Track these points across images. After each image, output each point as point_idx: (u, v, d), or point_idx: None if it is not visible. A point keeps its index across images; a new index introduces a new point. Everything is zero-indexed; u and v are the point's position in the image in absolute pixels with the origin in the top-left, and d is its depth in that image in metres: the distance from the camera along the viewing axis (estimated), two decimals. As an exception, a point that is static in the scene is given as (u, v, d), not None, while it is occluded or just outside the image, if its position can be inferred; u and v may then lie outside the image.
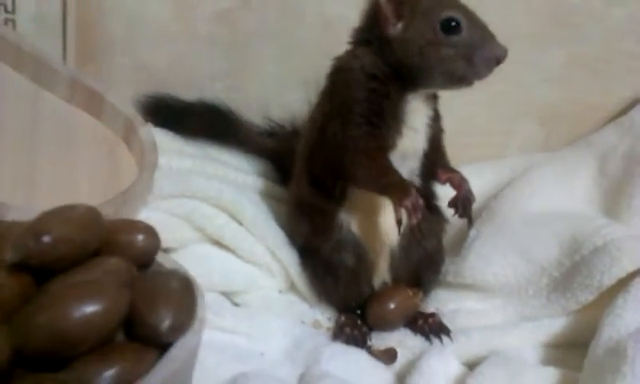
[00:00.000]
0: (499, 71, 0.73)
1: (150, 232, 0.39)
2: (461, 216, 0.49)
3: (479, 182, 0.67)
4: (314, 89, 0.53)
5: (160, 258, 0.40)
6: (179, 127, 0.62)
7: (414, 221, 0.44)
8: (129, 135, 0.53)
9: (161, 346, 0.32)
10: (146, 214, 0.50)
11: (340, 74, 0.48)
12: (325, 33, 0.64)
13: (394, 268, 0.51)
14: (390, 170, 0.46)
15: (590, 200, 0.59)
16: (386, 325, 0.51)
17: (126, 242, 0.37)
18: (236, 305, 0.52)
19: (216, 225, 0.52)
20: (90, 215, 0.35)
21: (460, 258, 0.55)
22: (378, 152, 0.46)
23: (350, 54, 0.48)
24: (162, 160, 0.55)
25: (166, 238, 0.50)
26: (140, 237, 0.38)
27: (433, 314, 0.51)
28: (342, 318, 0.50)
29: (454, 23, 0.44)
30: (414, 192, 0.44)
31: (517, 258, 0.53)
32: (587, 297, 0.48)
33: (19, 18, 0.56)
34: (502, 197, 0.60)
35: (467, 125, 0.76)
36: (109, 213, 0.45)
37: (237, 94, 0.64)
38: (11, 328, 0.28)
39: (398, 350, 0.49)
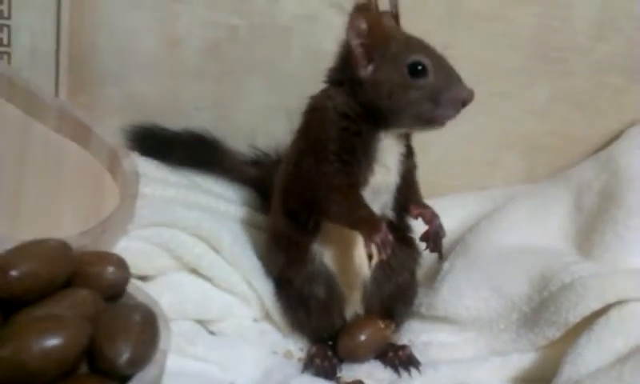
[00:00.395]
0: (483, 103, 0.75)
1: (121, 264, 0.41)
2: (432, 251, 0.50)
3: (461, 213, 0.69)
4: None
5: (131, 289, 0.42)
6: (166, 156, 0.64)
7: (384, 256, 0.45)
8: (113, 165, 0.55)
9: (121, 378, 0.34)
10: (126, 243, 0.52)
11: (314, 112, 0.50)
12: (310, 65, 0.66)
13: (366, 299, 0.52)
14: (360, 206, 0.47)
15: (564, 235, 0.60)
16: (357, 357, 0.51)
17: (96, 273, 0.39)
18: (211, 333, 0.53)
19: (193, 253, 0.53)
20: (59, 250, 0.36)
21: (433, 290, 0.56)
22: (349, 188, 0.48)
23: (323, 94, 0.50)
24: (147, 189, 0.57)
25: (145, 266, 0.52)
26: (110, 269, 0.40)
27: (404, 347, 0.52)
28: (313, 349, 0.52)
29: (420, 67, 0.46)
30: (383, 228, 0.45)
31: (488, 292, 0.54)
32: (554, 333, 0.49)
33: (14, 52, 0.59)
34: (477, 230, 0.61)
35: (451, 155, 0.77)
36: (86, 242, 0.47)
37: (223, 123, 0.66)
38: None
39: (367, 382, 0.49)
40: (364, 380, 0.49)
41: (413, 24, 0.60)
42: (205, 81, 0.66)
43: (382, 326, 0.52)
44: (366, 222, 0.46)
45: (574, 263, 0.51)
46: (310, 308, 0.51)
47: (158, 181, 0.60)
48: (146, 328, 0.36)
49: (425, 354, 0.52)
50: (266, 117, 0.67)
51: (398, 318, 0.54)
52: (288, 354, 0.52)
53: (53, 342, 0.31)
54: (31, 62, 0.59)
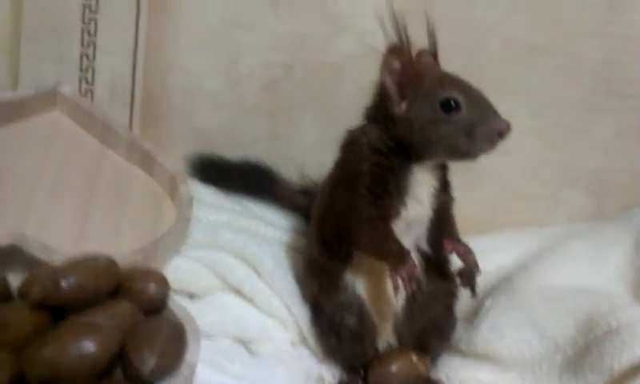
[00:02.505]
0: (545, 137, 0.73)
1: (162, 281, 0.45)
2: (464, 286, 0.50)
3: (517, 249, 0.67)
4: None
5: (172, 304, 0.46)
6: (224, 183, 0.69)
7: (409, 290, 0.46)
8: (173, 191, 0.61)
9: (146, 384, 0.38)
10: (178, 262, 0.56)
11: (350, 146, 0.52)
12: (360, 100, 0.69)
13: (397, 331, 0.52)
14: (389, 238, 0.48)
15: (621, 279, 0.56)
16: None
17: (139, 288, 0.43)
18: (251, 353, 0.56)
19: (237, 275, 0.57)
20: (105, 266, 0.41)
21: (473, 326, 0.55)
22: (379, 221, 0.49)
23: (359, 129, 0.52)
24: (201, 213, 0.62)
25: (194, 284, 0.57)
26: (152, 285, 0.44)
27: (438, 383, 0.52)
28: (344, 376, 0.53)
29: (453, 102, 0.47)
30: (410, 261, 0.46)
31: (531, 333, 0.52)
32: (597, 380, 0.46)
33: (97, 90, 0.67)
34: (525, 267, 0.59)
35: (510, 190, 0.75)
36: (138, 259, 0.52)
37: (277, 155, 0.70)
38: (21, 357, 0.35)
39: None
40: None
41: (468, 61, 0.61)
42: (261, 115, 0.70)
43: (415, 359, 0.52)
44: (394, 255, 0.47)
45: (624, 307, 0.48)
46: (341, 336, 0.52)
47: (212, 206, 0.64)
48: (173, 341, 0.39)
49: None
50: (317, 149, 0.70)
51: (433, 352, 0.54)
52: (320, 380, 0.54)
53: (87, 347, 0.35)
54: (110, 98, 0.67)
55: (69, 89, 0.64)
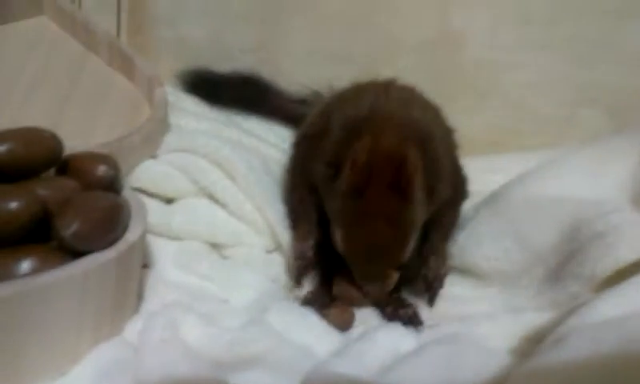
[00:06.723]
0: (557, 48, 0.66)
1: (112, 164, 0.44)
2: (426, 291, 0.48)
3: (519, 170, 0.61)
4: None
5: (126, 192, 0.45)
6: (215, 97, 0.66)
7: (295, 267, 0.49)
8: (151, 95, 0.59)
9: (73, 253, 0.36)
10: (150, 164, 0.55)
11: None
12: (351, 6, 0.64)
13: None
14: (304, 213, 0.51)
15: (620, 191, 0.50)
16: (351, 301, 0.49)
17: (87, 169, 0.42)
18: (223, 258, 0.54)
19: (210, 180, 0.55)
20: (42, 137, 0.40)
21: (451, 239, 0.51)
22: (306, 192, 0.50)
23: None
24: (182, 121, 0.61)
25: (165, 187, 0.55)
26: (101, 167, 0.43)
27: (408, 305, 0.48)
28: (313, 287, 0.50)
29: None
30: (307, 244, 0.49)
31: (511, 243, 0.47)
32: (577, 289, 0.41)
33: (84, -2, 0.66)
34: (513, 181, 0.53)
35: (519, 109, 0.69)
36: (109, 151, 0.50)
37: (268, 66, 0.67)
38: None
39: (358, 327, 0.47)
40: (356, 326, 0.47)
41: None
42: (249, 24, 0.67)
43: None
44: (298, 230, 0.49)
45: (614, 211, 0.43)
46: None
47: (194, 115, 0.62)
48: (105, 213, 0.38)
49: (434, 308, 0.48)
50: (308, 59, 0.67)
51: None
52: (287, 287, 0.51)
53: (4, 205, 0.34)
54: (98, 5, 0.66)
55: (55, -6, 0.63)
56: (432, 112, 0.50)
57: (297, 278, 0.49)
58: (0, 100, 0.53)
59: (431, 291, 0.47)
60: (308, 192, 0.50)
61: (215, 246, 0.54)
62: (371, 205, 0.41)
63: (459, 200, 0.50)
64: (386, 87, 0.49)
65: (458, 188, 0.50)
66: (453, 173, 0.49)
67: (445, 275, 0.47)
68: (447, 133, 0.50)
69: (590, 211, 0.44)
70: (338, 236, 0.44)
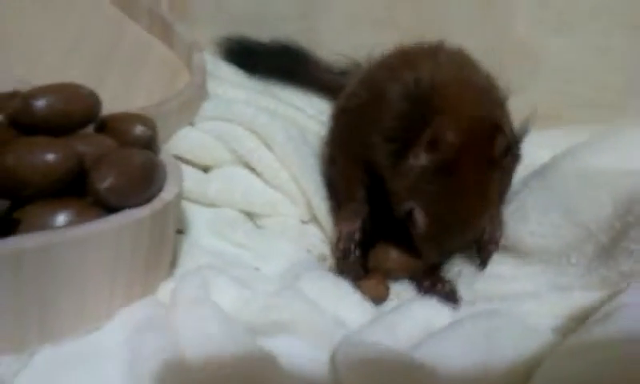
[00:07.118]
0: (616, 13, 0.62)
1: (149, 124, 0.43)
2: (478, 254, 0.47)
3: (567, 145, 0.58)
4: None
5: (164, 156, 0.44)
6: (254, 66, 0.66)
7: (340, 247, 0.47)
8: (189, 61, 0.59)
9: (108, 208, 0.36)
10: (187, 132, 0.55)
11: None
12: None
13: None
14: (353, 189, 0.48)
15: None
16: (387, 272, 0.47)
17: (123, 129, 0.42)
18: (258, 227, 0.54)
19: (246, 148, 0.54)
20: (81, 93, 0.40)
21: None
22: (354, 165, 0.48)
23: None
24: (219, 90, 0.60)
25: (202, 155, 0.55)
26: (138, 127, 0.43)
27: (446, 281, 0.47)
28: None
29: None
30: (356, 224, 0.47)
31: (560, 218, 0.44)
32: (631, 266, 0.38)
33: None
34: (566, 152, 0.50)
35: (573, 77, 0.65)
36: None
37: (308, 35, 0.66)
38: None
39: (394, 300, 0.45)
40: (390, 299, 0.46)
41: None
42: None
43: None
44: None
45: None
46: None
47: (232, 83, 0.62)
48: (141, 170, 0.37)
49: (470, 286, 0.46)
50: (351, 28, 0.65)
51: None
52: (321, 257, 0.50)
53: (41, 157, 0.34)
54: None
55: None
56: (487, 75, 0.47)
57: (342, 261, 0.47)
58: (40, 60, 0.53)
59: (485, 253, 0.45)
60: (354, 167, 0.48)
61: (250, 215, 0.54)
62: (464, 181, 0.40)
63: (514, 164, 0.48)
64: (436, 51, 0.47)
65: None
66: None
67: (500, 238, 0.45)
68: (503, 94, 0.48)
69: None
70: (418, 214, 0.42)
